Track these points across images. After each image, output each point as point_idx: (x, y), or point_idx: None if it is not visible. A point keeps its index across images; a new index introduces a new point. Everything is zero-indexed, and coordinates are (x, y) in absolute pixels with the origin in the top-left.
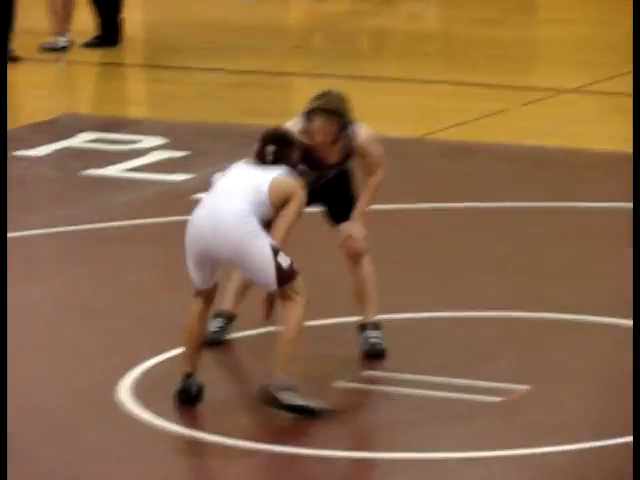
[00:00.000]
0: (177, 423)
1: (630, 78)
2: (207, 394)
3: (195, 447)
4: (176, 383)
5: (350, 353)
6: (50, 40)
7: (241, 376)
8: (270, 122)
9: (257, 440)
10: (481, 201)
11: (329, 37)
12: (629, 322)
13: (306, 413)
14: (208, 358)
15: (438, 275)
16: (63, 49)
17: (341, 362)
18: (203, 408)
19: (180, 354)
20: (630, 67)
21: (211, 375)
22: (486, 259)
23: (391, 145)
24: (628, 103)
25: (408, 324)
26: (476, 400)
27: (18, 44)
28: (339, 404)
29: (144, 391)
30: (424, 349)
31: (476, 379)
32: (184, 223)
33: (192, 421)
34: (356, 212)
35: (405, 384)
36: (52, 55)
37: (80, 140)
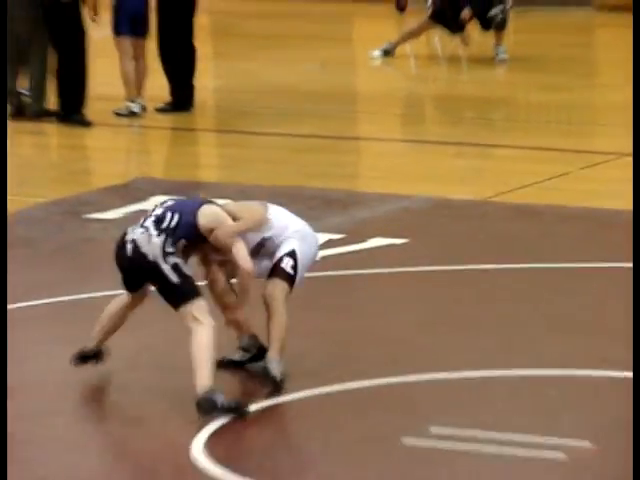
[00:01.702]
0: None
1: None
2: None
3: None
4: (245, 438)
5: (418, 410)
6: (123, 106)
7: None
8: (336, 185)
9: None
10: (546, 262)
11: (396, 101)
12: None
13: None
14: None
15: (502, 334)
16: (136, 114)
17: (408, 420)
18: (288, 462)
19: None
20: None
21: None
22: (551, 318)
23: (457, 207)
24: None
25: (474, 382)
26: (541, 457)
27: (92, 109)
28: (407, 462)
29: (217, 449)
30: (490, 405)
31: (541, 435)
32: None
33: (274, 478)
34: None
35: (471, 440)
36: (125, 120)
37: (153, 203)
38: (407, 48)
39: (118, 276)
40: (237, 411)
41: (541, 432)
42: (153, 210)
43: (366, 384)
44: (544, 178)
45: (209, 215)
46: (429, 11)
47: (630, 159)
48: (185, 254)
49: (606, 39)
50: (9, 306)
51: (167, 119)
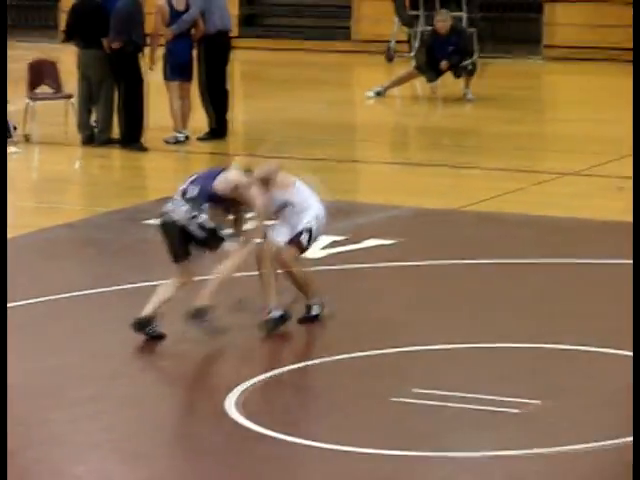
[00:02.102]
0: (275, 430)
1: (622, 163)
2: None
3: (292, 450)
4: (267, 396)
5: (404, 375)
6: (171, 135)
7: (340, 391)
8: (340, 197)
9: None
10: (505, 258)
11: (387, 132)
12: (621, 352)
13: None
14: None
15: (473, 315)
16: (181, 142)
17: (396, 382)
18: (300, 415)
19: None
20: (622, 154)
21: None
22: (511, 302)
23: (436, 215)
24: (621, 182)
25: (449, 353)
26: (500, 411)
27: (148, 138)
28: (395, 414)
29: (245, 404)
30: (462, 371)
31: (501, 395)
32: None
33: (289, 428)
34: None
35: (448, 399)
36: (173, 147)
37: None
38: (395, 90)
39: (168, 261)
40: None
41: (500, 393)
42: (180, 187)
43: (363, 354)
44: (504, 192)
45: (223, 180)
46: (413, 63)
47: (570, 178)
48: (215, 215)
49: (553, 83)
50: (81, 292)
51: (206, 145)
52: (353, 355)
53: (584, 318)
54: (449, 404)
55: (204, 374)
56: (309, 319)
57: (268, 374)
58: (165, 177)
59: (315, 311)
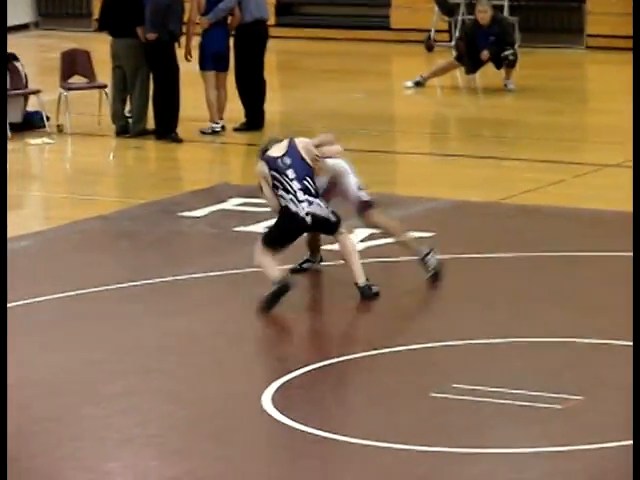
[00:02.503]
0: (313, 426)
1: None
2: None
3: (329, 446)
4: (303, 392)
5: (444, 370)
6: (207, 126)
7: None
8: (378, 189)
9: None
10: (545, 251)
11: (426, 123)
12: None
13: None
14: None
15: (511, 308)
16: (217, 133)
17: (435, 377)
18: (338, 411)
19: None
20: None
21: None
22: (550, 295)
23: (474, 207)
24: None
25: (487, 347)
26: (542, 407)
27: (183, 129)
28: (433, 411)
29: (281, 400)
30: (501, 366)
31: (542, 391)
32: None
33: (326, 424)
34: None
35: (488, 395)
36: (209, 137)
37: (231, 204)
38: (435, 80)
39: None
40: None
41: (542, 388)
42: (287, 185)
43: (402, 349)
44: (544, 184)
45: (304, 150)
46: (454, 53)
47: (611, 169)
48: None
49: (595, 73)
50: (116, 286)
51: (243, 137)
52: (392, 350)
53: (626, 312)
54: (489, 400)
55: (240, 369)
56: (437, 270)
57: (305, 369)
58: (200, 168)
59: (434, 262)
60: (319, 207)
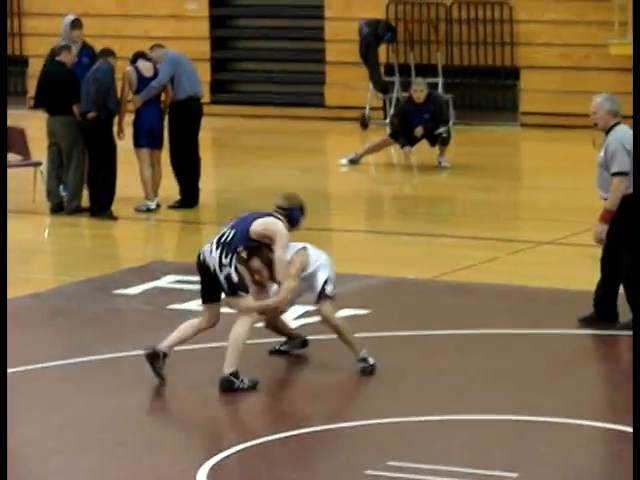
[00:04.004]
0: None
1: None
2: None
3: None
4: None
5: (379, 447)
6: (143, 204)
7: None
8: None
9: None
10: (480, 328)
11: (361, 200)
12: (595, 423)
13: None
14: None
15: (445, 384)
16: (151, 210)
17: (371, 454)
18: None
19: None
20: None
21: None
22: (484, 372)
23: (409, 284)
24: (594, 251)
25: (424, 424)
26: None
27: (118, 206)
28: None
29: (218, 478)
30: (436, 443)
31: (477, 468)
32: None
33: None
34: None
35: (422, 472)
36: (144, 215)
37: (166, 281)
38: (369, 157)
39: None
40: (251, 387)
41: (477, 466)
42: (222, 229)
43: (337, 426)
44: (478, 262)
45: (261, 223)
46: (388, 130)
47: (545, 247)
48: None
49: (529, 151)
50: (51, 363)
51: (177, 214)
52: (328, 427)
53: (558, 389)
54: (424, 477)
55: (175, 447)
56: (369, 369)
57: (241, 446)
58: (135, 246)
59: (372, 360)
60: (212, 257)
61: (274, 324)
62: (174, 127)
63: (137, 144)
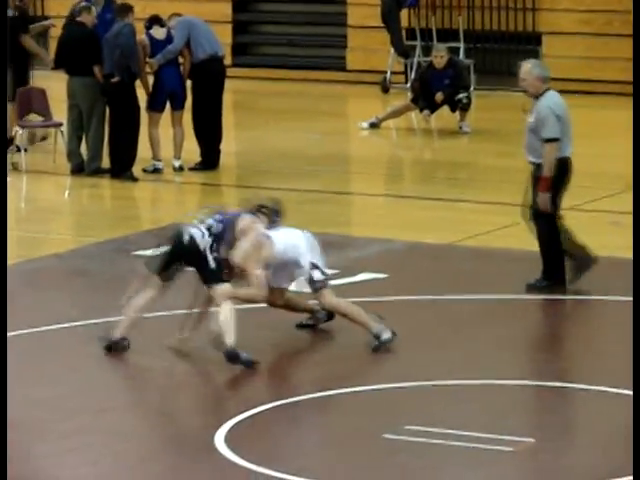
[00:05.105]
0: (265, 466)
1: (618, 198)
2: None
3: None
4: (256, 431)
5: (397, 411)
6: (150, 164)
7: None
8: (333, 230)
9: None
10: (497, 293)
11: (381, 164)
12: (614, 390)
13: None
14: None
15: (464, 350)
16: (159, 171)
17: (389, 418)
18: (291, 452)
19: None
20: (618, 189)
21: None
22: (502, 338)
23: (428, 249)
24: (617, 218)
25: (442, 389)
26: (493, 449)
27: (138, 168)
28: (387, 453)
29: (236, 439)
30: (454, 408)
31: (494, 433)
32: (263, 309)
33: (279, 465)
34: None
35: (439, 436)
36: (166, 176)
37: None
38: (390, 122)
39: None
40: (250, 364)
41: (493, 430)
42: (205, 219)
43: (356, 390)
44: (498, 227)
45: (242, 227)
46: (409, 95)
47: (565, 213)
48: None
49: None
50: (70, 324)
51: (198, 176)
52: (346, 390)
53: (579, 355)
54: (441, 441)
55: (193, 408)
56: (383, 344)
57: (259, 409)
58: (156, 208)
59: (385, 335)
60: (205, 241)
61: (281, 304)
62: (197, 88)
63: (151, 106)
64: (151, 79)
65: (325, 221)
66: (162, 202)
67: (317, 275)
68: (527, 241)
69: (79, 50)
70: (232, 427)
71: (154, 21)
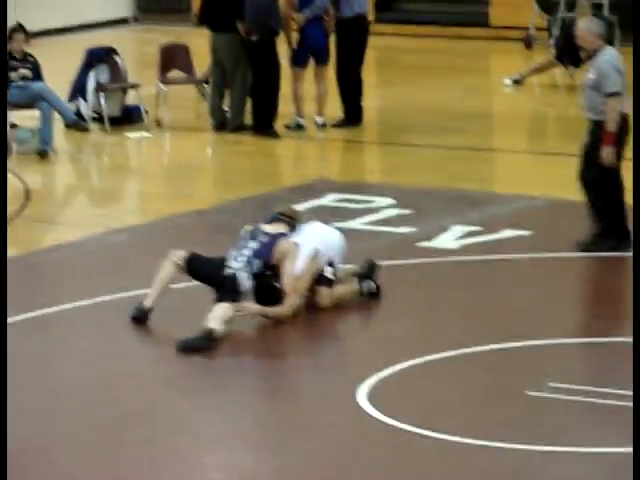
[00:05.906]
0: (407, 422)
1: None
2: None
3: (424, 443)
4: (398, 388)
5: (540, 368)
6: (293, 120)
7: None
8: (475, 187)
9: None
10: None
11: (522, 121)
12: None
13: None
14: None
15: (609, 307)
16: (301, 127)
17: (532, 375)
18: (433, 408)
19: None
20: None
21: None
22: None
23: (572, 206)
24: None
25: (585, 346)
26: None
27: (281, 124)
28: (529, 409)
29: (378, 396)
30: (597, 366)
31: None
32: (407, 266)
33: (421, 421)
34: None
35: (583, 394)
36: (308, 132)
37: (329, 199)
38: (533, 78)
39: None
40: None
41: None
42: (245, 247)
43: (499, 347)
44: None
45: (281, 251)
46: (553, 52)
47: None
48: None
49: None
50: None
51: (341, 133)
52: (489, 347)
53: None
54: (586, 399)
55: (336, 365)
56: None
57: (401, 366)
58: (298, 164)
59: (366, 288)
60: (248, 284)
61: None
62: (341, 45)
63: (296, 62)
64: (294, 35)
65: (468, 177)
66: (304, 159)
67: (328, 272)
68: None
69: (222, 7)
70: (373, 384)
71: None
